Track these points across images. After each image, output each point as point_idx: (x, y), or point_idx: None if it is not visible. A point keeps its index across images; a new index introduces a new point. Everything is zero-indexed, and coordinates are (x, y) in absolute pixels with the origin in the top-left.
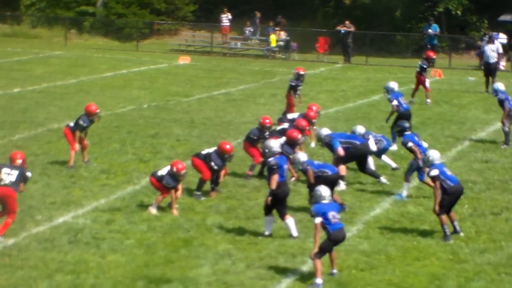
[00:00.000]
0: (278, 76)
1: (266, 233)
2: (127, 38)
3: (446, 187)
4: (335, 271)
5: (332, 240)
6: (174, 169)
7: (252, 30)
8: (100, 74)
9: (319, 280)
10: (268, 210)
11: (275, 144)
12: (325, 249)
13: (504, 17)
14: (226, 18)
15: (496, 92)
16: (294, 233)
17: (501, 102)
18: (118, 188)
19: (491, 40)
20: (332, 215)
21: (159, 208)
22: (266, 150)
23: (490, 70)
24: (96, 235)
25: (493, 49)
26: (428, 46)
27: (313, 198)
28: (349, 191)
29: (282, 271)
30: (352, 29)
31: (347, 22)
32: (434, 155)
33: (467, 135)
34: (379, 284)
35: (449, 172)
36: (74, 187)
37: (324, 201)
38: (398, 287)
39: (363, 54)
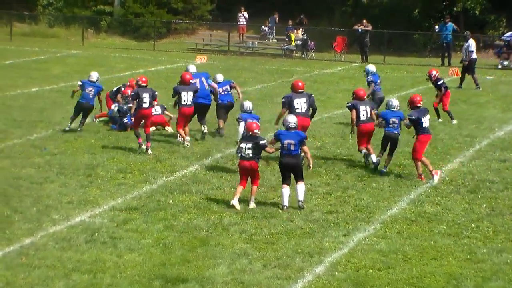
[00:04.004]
0: (296, 75)
1: None
2: (144, 37)
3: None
4: None
5: None
6: None
7: (268, 30)
8: (117, 73)
9: None
10: None
11: None
12: None
13: None
14: (242, 17)
15: (367, 73)
16: None
17: (369, 84)
18: (135, 188)
19: (465, 39)
20: None
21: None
22: None
23: (464, 67)
24: (113, 235)
25: (465, 48)
26: (444, 44)
27: None
28: (366, 190)
29: (299, 271)
30: (369, 28)
31: (364, 21)
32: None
33: (485, 134)
34: (396, 283)
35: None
36: (91, 186)
37: None
38: (415, 287)
39: (381, 53)
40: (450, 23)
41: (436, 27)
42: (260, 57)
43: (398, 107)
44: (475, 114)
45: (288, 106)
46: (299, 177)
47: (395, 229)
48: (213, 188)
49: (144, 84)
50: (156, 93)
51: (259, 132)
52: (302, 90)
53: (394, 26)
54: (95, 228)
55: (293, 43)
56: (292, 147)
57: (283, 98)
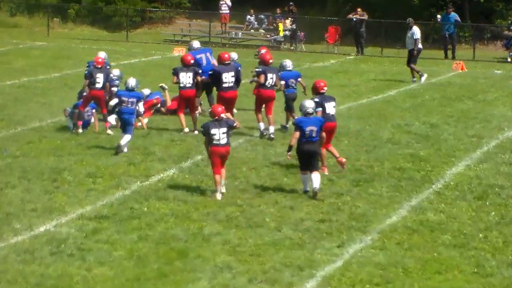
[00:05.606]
0: None
1: None
2: (116, 27)
3: None
4: None
5: None
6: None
7: (253, 20)
8: (86, 67)
9: None
10: None
11: None
12: None
13: None
14: (225, 5)
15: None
16: None
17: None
18: (105, 194)
19: (408, 27)
20: None
21: None
22: None
23: (408, 56)
24: (81, 246)
25: (408, 36)
26: (446, 35)
27: None
28: (362, 196)
29: (288, 286)
30: (365, 17)
31: (359, 10)
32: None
33: (493, 134)
34: None
35: None
36: (57, 192)
37: None
38: None
39: (378, 45)
40: (452, 13)
41: (438, 16)
42: (245, 49)
43: (292, 66)
44: (483, 112)
45: (217, 80)
46: (315, 167)
47: (394, 240)
48: (193, 194)
49: (99, 66)
50: (112, 75)
51: (224, 116)
52: (229, 62)
53: (392, 15)
54: (61, 239)
55: (281, 34)
56: (314, 134)
57: (211, 71)
